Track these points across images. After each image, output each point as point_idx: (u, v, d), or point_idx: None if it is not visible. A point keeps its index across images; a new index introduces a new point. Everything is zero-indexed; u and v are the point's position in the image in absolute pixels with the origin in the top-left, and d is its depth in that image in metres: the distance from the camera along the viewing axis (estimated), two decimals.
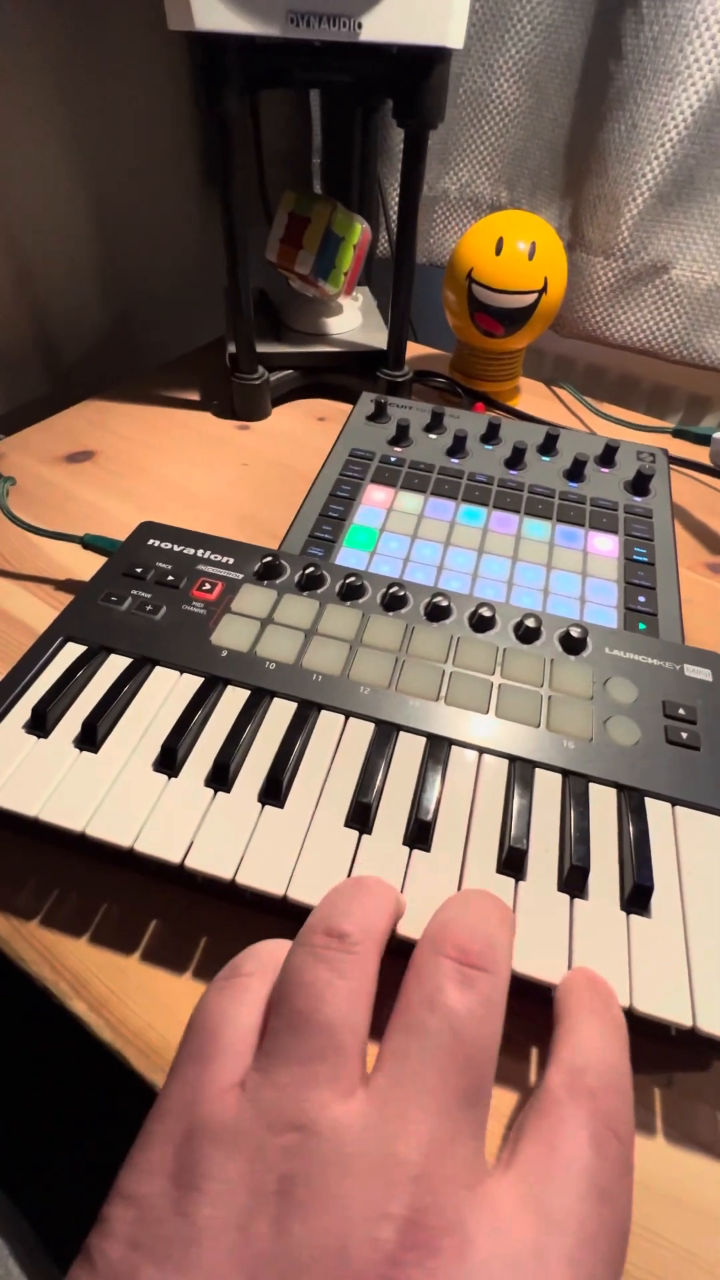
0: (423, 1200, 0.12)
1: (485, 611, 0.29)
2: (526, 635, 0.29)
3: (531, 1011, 0.20)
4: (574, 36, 0.50)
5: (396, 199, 0.45)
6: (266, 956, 0.17)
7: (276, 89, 0.39)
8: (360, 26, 0.33)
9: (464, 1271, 0.12)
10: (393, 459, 0.42)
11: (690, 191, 0.47)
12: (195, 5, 0.31)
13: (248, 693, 0.26)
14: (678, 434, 0.43)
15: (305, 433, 0.49)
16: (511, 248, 0.44)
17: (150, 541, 0.33)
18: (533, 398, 0.55)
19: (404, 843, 0.22)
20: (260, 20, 0.32)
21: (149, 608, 0.29)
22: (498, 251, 0.44)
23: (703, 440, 0.41)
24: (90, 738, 0.24)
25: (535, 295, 0.45)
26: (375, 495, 0.39)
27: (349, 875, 0.21)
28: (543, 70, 0.52)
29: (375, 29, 0.33)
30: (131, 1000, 0.21)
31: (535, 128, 0.55)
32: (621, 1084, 0.15)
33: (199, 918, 0.23)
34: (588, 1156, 0.14)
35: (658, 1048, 0.20)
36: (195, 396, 0.52)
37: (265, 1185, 0.13)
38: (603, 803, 0.24)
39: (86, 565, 0.35)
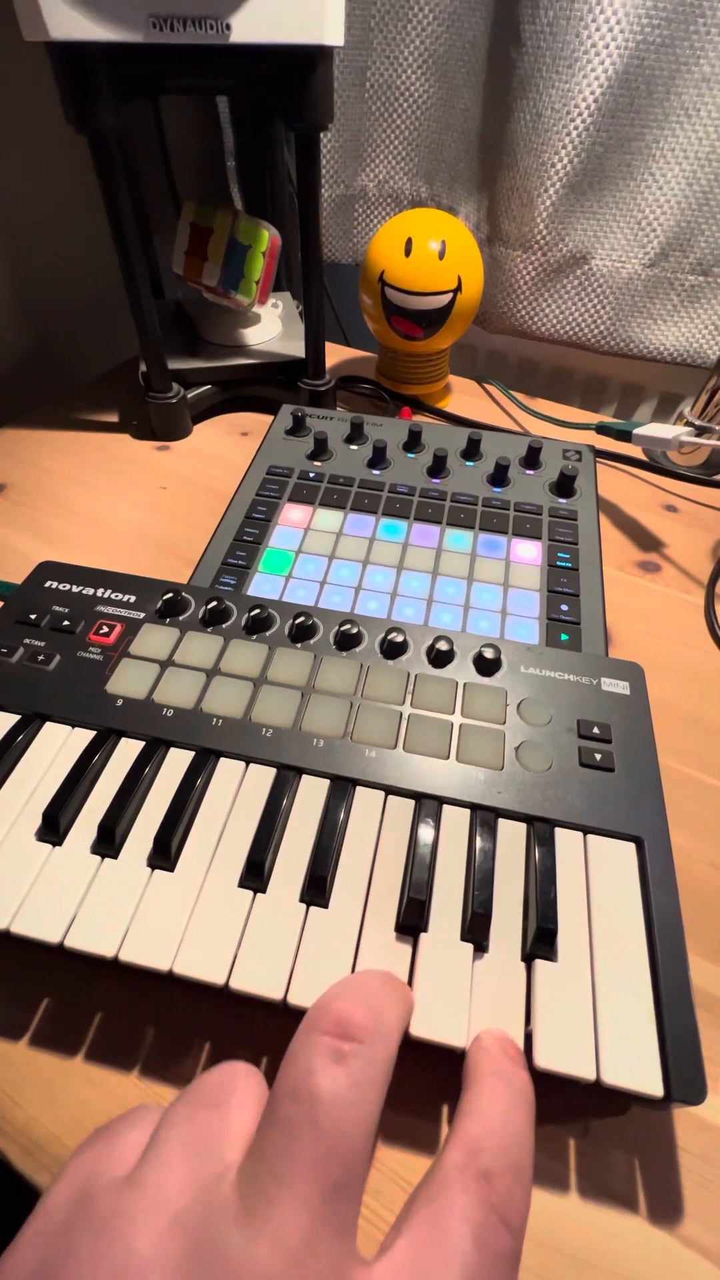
0: None
1: (396, 636, 0.28)
2: (439, 659, 0.28)
3: (440, 1070, 0.20)
4: (476, 24, 0.48)
5: None
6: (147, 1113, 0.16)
7: (161, 96, 0.37)
8: (229, 28, 0.31)
9: None
10: (311, 475, 0.40)
11: (602, 180, 0.46)
12: (48, 14, 0.29)
13: (142, 745, 0.25)
14: (601, 430, 0.42)
15: (228, 449, 0.48)
16: (421, 248, 0.43)
17: (48, 583, 0.31)
18: (464, 397, 0.54)
19: (300, 899, 0.21)
20: (120, 26, 0.30)
21: (41, 658, 0.28)
22: (407, 253, 0.43)
23: (624, 436, 0.41)
24: None
25: (450, 295, 0.44)
26: (292, 515, 0.38)
27: (239, 942, 0.20)
28: (449, 60, 0.51)
29: (245, 30, 0.31)
30: (16, 1091, 0.20)
31: (448, 120, 0.54)
32: (520, 1163, 0.15)
33: (93, 993, 0.22)
34: (469, 1250, 0.13)
35: (573, 1096, 0.19)
36: (114, 418, 0.51)
37: None
38: (514, 836, 0.23)
39: None
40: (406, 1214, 0.14)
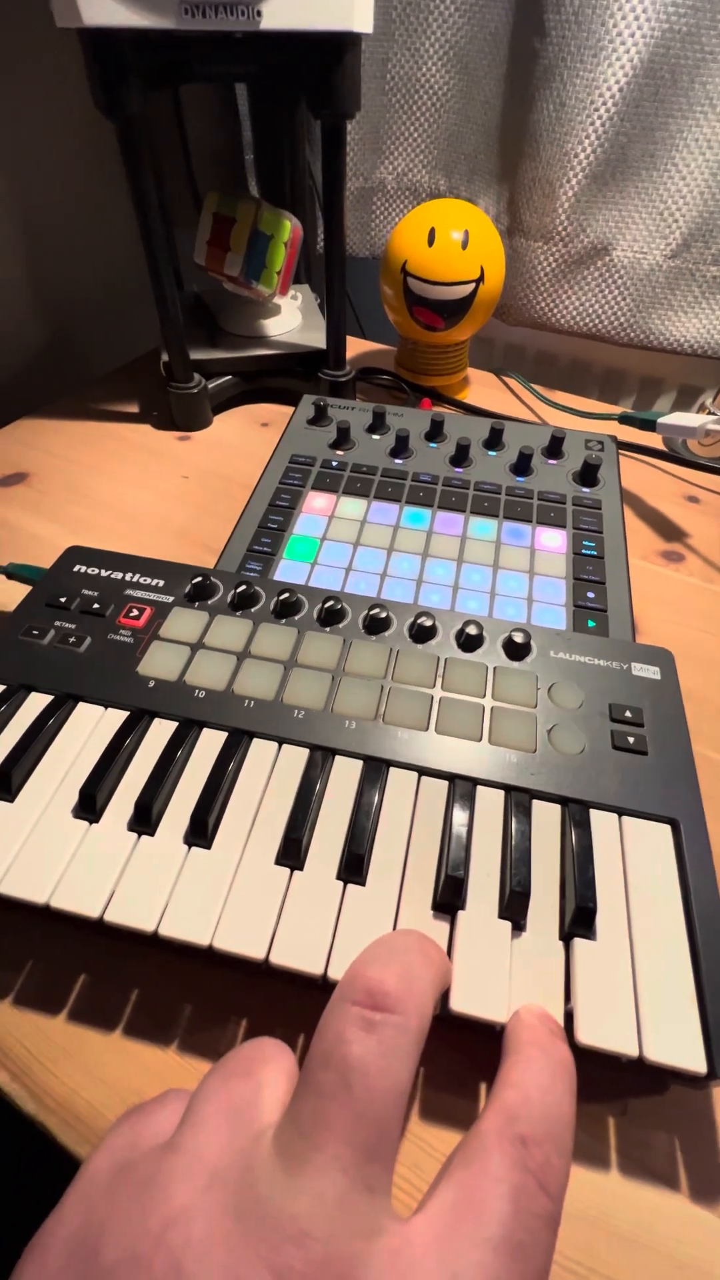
0: (312, 1254, 0.12)
1: (425, 621, 0.28)
2: (468, 643, 0.28)
3: (477, 1047, 0.20)
4: (499, 15, 0.48)
5: None
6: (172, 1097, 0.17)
7: (186, 84, 0.37)
8: (259, 14, 0.31)
9: None
10: (334, 463, 0.40)
11: (624, 170, 0.46)
12: (82, 0, 0.29)
13: (175, 725, 0.25)
14: (624, 420, 0.42)
15: (248, 440, 0.48)
16: (444, 238, 0.43)
17: (77, 567, 0.31)
18: (482, 389, 0.54)
19: (337, 877, 0.21)
20: (152, 13, 0.30)
21: (73, 639, 0.28)
22: (430, 243, 0.43)
23: (648, 426, 0.40)
24: (5, 785, 0.23)
25: (473, 285, 0.44)
26: (316, 503, 0.38)
27: (278, 918, 0.20)
28: (470, 51, 0.51)
29: (276, 16, 0.31)
30: (56, 1065, 0.20)
31: (468, 111, 0.54)
32: (559, 1133, 0.14)
33: (130, 970, 0.22)
34: (505, 1210, 0.13)
35: (611, 1074, 0.19)
36: (134, 409, 0.51)
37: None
38: (549, 818, 0.23)
39: (12, 595, 0.34)
40: (442, 1176, 0.14)
